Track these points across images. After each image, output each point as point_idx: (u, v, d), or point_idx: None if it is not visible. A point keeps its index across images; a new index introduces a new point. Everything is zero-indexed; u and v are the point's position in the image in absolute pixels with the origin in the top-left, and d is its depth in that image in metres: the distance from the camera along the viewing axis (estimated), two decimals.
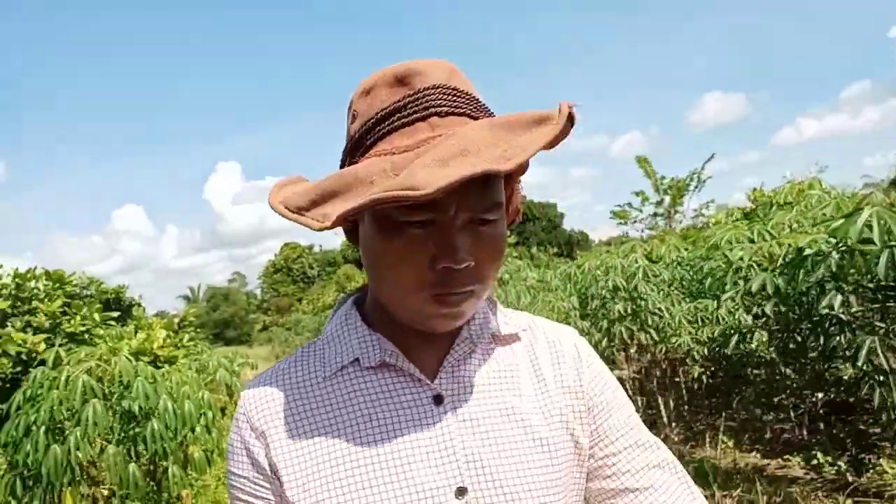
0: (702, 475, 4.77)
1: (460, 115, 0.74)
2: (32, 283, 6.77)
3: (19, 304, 6.59)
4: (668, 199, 13.39)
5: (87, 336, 6.45)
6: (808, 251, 3.85)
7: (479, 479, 0.77)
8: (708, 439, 5.56)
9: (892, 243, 3.46)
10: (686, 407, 6.37)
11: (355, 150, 0.77)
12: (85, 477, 3.74)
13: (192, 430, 4.08)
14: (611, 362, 7.69)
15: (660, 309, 5.66)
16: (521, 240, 40.63)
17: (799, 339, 4.03)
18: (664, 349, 5.83)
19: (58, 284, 7.11)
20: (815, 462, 4.70)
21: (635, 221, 13.29)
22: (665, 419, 6.12)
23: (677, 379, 6.43)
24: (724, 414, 5.60)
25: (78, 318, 6.51)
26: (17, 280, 6.71)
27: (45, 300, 6.70)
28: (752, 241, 5.03)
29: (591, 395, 0.87)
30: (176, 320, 8.07)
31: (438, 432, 0.78)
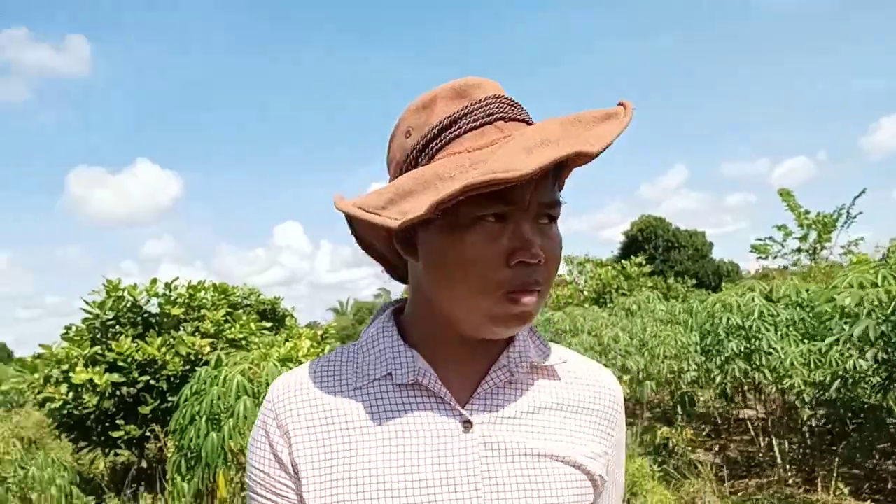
0: None
1: (522, 121, 0.76)
2: (202, 294, 7.83)
3: (190, 311, 7.66)
4: (813, 234, 12.81)
5: (244, 342, 7.39)
6: None
7: None
8: (820, 485, 5.46)
9: None
10: (801, 450, 6.24)
11: (418, 157, 0.77)
12: (234, 462, 4.45)
13: None
14: (731, 400, 7.61)
15: (774, 349, 5.66)
16: (664, 268, 39.38)
17: None
18: (778, 390, 5.80)
19: (223, 295, 8.17)
20: None
21: (776, 257, 12.78)
22: (779, 461, 6.05)
23: (793, 422, 6.32)
24: (836, 459, 5.47)
25: (238, 325, 7.47)
26: (189, 291, 7.80)
27: (212, 309, 7.74)
28: (875, 285, 4.96)
29: (611, 454, 0.88)
30: (319, 332, 8.93)
31: (464, 459, 0.77)
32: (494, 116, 0.75)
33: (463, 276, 0.74)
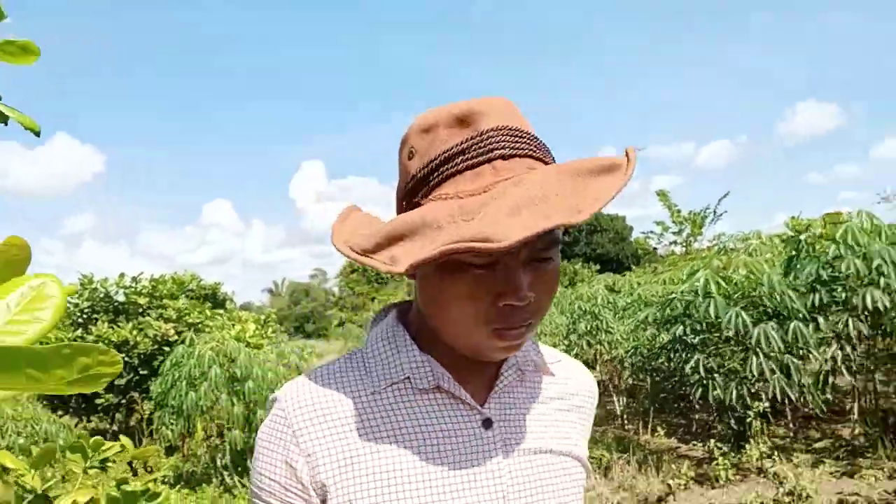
0: (633, 452, 6.71)
1: (524, 156, 0.73)
2: (163, 286, 9.36)
3: (153, 300, 9.17)
4: (687, 229, 15.13)
5: (201, 325, 8.97)
6: (673, 293, 5.81)
7: (525, 501, 0.80)
8: (646, 429, 7.52)
9: (712, 295, 5.40)
10: (633, 405, 8.32)
11: (415, 191, 0.77)
12: (208, 413, 6.11)
13: (272, 390, 6.41)
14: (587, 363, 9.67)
15: (611, 328, 7.65)
16: (588, 251, 41.86)
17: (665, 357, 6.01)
18: (613, 357, 7.82)
19: (180, 286, 9.72)
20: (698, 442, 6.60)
21: (655, 249, 15.01)
22: (618, 412, 8.09)
23: (623, 384, 8.40)
24: (651, 410, 7.55)
25: (196, 312, 9.05)
26: (152, 283, 9.30)
27: (171, 298, 9.28)
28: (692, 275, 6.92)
29: (589, 428, 0.96)
30: (263, 317, 10.54)
31: (487, 456, 0.79)
32: (494, 154, 0.72)
33: (453, 313, 0.75)
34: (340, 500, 0.76)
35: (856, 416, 6.18)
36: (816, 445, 6.12)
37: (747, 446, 5.57)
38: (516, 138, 0.74)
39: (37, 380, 0.48)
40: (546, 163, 0.76)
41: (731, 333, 5.40)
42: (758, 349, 5.24)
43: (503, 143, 0.73)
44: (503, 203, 0.66)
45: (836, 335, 5.54)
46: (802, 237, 5.95)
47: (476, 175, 0.73)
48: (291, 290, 64.45)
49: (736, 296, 5.61)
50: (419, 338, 0.85)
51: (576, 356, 8.38)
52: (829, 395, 5.72)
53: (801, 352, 5.37)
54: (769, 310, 5.54)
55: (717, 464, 5.48)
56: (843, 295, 5.52)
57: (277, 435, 0.79)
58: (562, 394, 0.92)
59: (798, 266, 5.82)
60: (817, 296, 5.54)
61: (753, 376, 5.25)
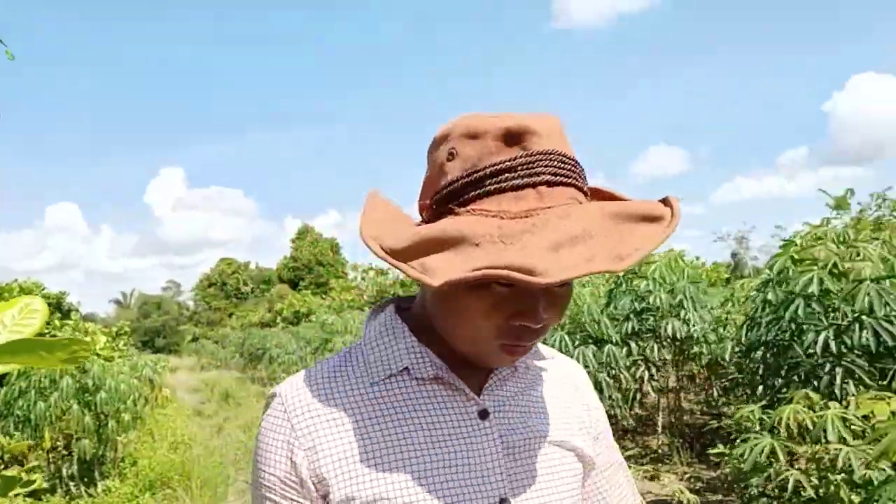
0: None
1: (567, 185, 0.73)
2: (9, 295, 9.00)
3: None
4: None
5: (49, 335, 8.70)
6: None
7: (521, 491, 0.82)
8: None
9: None
10: None
11: (454, 197, 0.75)
12: (58, 423, 6.06)
13: (124, 402, 6.46)
14: None
15: None
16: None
17: None
18: None
19: (26, 294, 9.36)
20: None
21: None
22: None
23: None
24: None
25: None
26: None
27: None
28: None
29: (597, 424, 0.98)
30: (115, 329, 10.32)
31: (484, 445, 0.81)
32: (541, 179, 0.71)
33: (467, 324, 0.76)
34: (342, 493, 0.77)
35: (660, 429, 7.15)
36: (628, 453, 7.03)
37: None
38: (564, 166, 0.74)
39: (45, 359, 0.89)
40: (584, 191, 0.75)
41: None
42: None
43: (551, 169, 0.73)
44: (546, 235, 0.67)
45: (644, 358, 6.46)
46: (621, 273, 6.86)
47: (519, 197, 0.72)
48: (142, 302, 61.12)
49: (563, 322, 6.39)
50: (418, 332, 0.85)
51: None
52: (638, 410, 6.62)
53: (612, 371, 6.22)
54: (591, 335, 6.37)
55: None
56: (652, 324, 6.47)
57: (277, 429, 0.81)
58: (554, 387, 0.94)
59: (617, 297, 6.71)
60: (630, 324, 6.45)
61: None
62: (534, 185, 0.72)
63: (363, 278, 21.09)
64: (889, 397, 3.37)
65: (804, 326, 3.99)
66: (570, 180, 0.73)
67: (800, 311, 3.95)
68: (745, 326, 4.83)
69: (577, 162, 0.76)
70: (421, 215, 0.82)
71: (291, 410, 0.81)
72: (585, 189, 0.76)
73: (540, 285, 0.64)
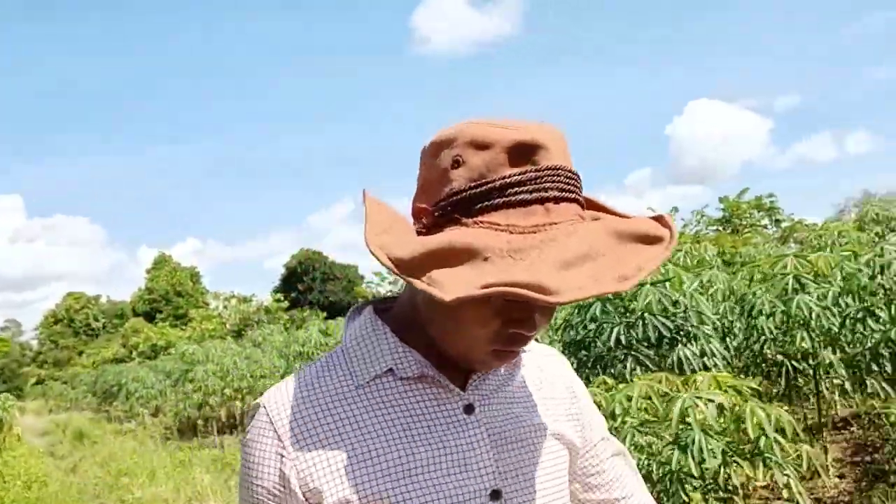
0: None
1: (572, 201, 0.74)
2: None
3: None
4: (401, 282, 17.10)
5: None
6: None
7: (512, 482, 0.83)
8: None
9: None
10: None
11: (460, 207, 0.74)
12: None
13: None
14: None
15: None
16: (322, 298, 42.57)
17: None
18: None
19: None
20: None
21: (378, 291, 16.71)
22: None
23: None
24: None
25: None
26: None
27: None
28: None
29: (585, 412, 0.98)
30: None
31: (472, 439, 0.82)
32: (549, 195, 0.72)
33: (460, 329, 0.76)
34: (334, 498, 0.77)
35: None
36: None
37: None
38: (570, 182, 0.75)
39: None
40: (582, 205, 0.77)
41: None
42: None
43: (558, 185, 0.73)
44: (554, 253, 0.68)
45: None
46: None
47: (528, 212, 0.72)
48: None
49: None
50: (399, 332, 0.85)
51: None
52: None
53: None
54: None
55: None
56: None
57: (263, 440, 0.80)
58: (536, 376, 0.95)
59: None
60: None
61: None
62: (542, 201, 0.72)
63: (225, 306, 20.79)
64: (662, 378, 4.15)
65: (604, 324, 4.76)
66: (574, 196, 0.75)
67: (598, 312, 4.72)
68: (562, 328, 5.59)
69: (579, 177, 0.77)
70: (416, 218, 0.79)
71: (277, 419, 0.80)
72: (584, 204, 0.78)
73: (550, 304, 0.67)
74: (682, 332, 4.65)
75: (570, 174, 0.75)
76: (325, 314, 26.28)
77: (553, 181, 0.73)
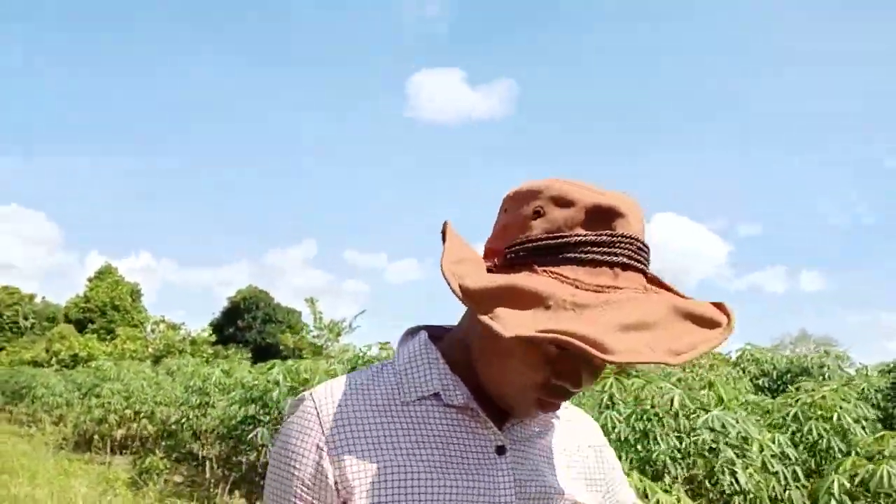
0: None
1: (639, 271, 0.77)
2: None
3: None
4: (327, 334, 17.80)
5: None
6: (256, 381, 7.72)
7: None
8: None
9: (279, 385, 7.39)
10: None
11: (532, 254, 0.77)
12: None
13: None
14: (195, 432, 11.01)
15: (214, 403, 9.26)
16: (259, 339, 42.31)
17: None
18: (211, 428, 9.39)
19: None
20: None
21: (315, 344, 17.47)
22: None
23: None
24: (226, 474, 9.23)
25: None
26: None
27: None
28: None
29: (606, 472, 1.00)
30: None
31: (501, 480, 0.83)
32: (619, 260, 0.75)
33: (508, 373, 0.79)
34: (363, 500, 0.78)
35: None
36: None
37: None
38: (641, 252, 0.77)
39: None
40: (647, 277, 0.79)
41: None
42: None
43: (629, 253, 0.76)
44: (614, 315, 0.70)
45: None
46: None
47: (596, 272, 0.74)
48: None
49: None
50: (449, 362, 0.87)
51: (186, 421, 9.77)
52: None
53: None
54: None
55: None
56: None
57: (307, 431, 0.82)
58: (568, 435, 0.97)
59: None
60: None
61: None
62: (611, 265, 0.75)
63: (153, 330, 21.08)
64: None
65: None
66: (642, 266, 0.77)
67: None
68: None
69: (649, 250, 0.79)
70: (488, 257, 0.83)
71: (324, 414, 0.82)
72: (649, 274, 0.80)
73: (605, 361, 0.69)
74: None
75: (642, 245, 0.78)
76: (249, 355, 26.43)
77: (625, 248, 0.76)
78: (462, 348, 0.87)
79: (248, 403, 7.94)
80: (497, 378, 0.82)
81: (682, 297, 0.80)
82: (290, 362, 7.98)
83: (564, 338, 0.66)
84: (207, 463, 9.73)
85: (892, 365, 7.82)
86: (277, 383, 7.43)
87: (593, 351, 0.66)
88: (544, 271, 0.75)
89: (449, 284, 0.75)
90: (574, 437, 0.98)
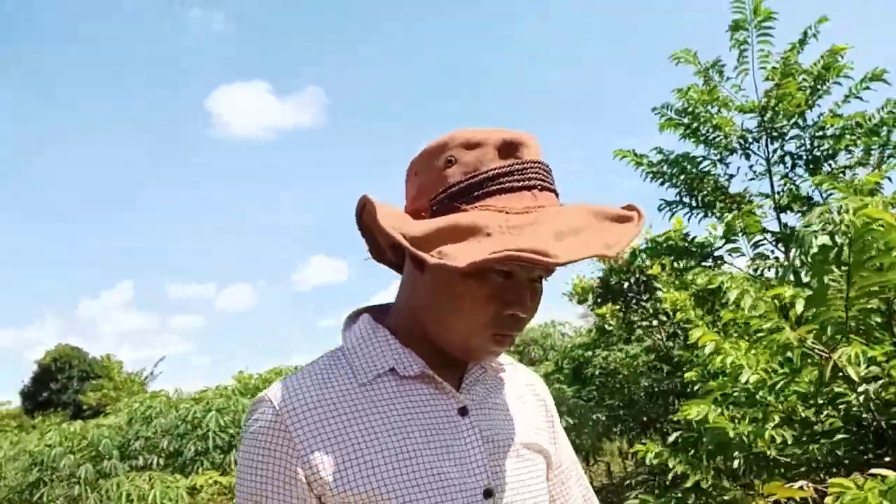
0: None
1: (551, 191, 0.85)
2: None
3: None
4: (129, 387, 18.35)
5: None
6: None
7: (503, 482, 0.88)
8: None
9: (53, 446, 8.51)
10: None
11: (457, 197, 0.83)
12: None
13: None
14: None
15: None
16: (76, 398, 40.20)
17: None
18: None
19: None
20: None
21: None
22: None
23: None
24: None
25: None
26: None
27: None
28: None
29: (556, 427, 1.07)
30: None
31: (467, 439, 0.87)
32: (533, 183, 0.83)
33: (461, 314, 0.84)
34: (339, 491, 0.80)
35: None
36: None
37: None
38: (549, 174, 0.86)
39: None
40: (558, 195, 0.87)
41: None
42: None
43: (541, 175, 0.84)
44: (548, 227, 0.77)
45: None
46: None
47: (519, 197, 0.82)
48: None
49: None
50: (396, 336, 0.91)
51: None
52: None
53: None
54: None
55: None
56: None
57: (270, 433, 0.82)
58: (516, 388, 1.02)
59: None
60: None
61: None
62: (529, 188, 0.83)
63: None
64: None
65: None
66: (552, 186, 0.86)
67: None
68: None
69: (552, 171, 0.88)
70: (415, 216, 0.86)
71: (285, 413, 0.83)
72: (558, 195, 0.87)
73: (551, 265, 0.76)
74: None
75: (547, 168, 0.87)
76: (65, 416, 25.48)
77: (536, 172, 0.84)
78: (408, 317, 0.92)
79: (30, 469, 8.93)
80: (450, 327, 0.86)
81: (593, 205, 0.87)
82: (64, 426, 9.04)
83: (515, 253, 0.73)
84: None
85: None
86: (50, 446, 8.54)
87: (541, 258, 0.72)
88: (473, 208, 0.82)
89: (395, 237, 0.79)
90: (526, 390, 1.05)
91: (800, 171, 4.66)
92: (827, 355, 2.09)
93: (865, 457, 2.30)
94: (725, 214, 4.42)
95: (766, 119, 4.58)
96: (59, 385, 41.36)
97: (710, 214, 4.79)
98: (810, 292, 2.11)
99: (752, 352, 2.38)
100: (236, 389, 10.02)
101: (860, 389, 2.07)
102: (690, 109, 4.71)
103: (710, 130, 4.69)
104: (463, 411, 0.90)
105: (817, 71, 4.44)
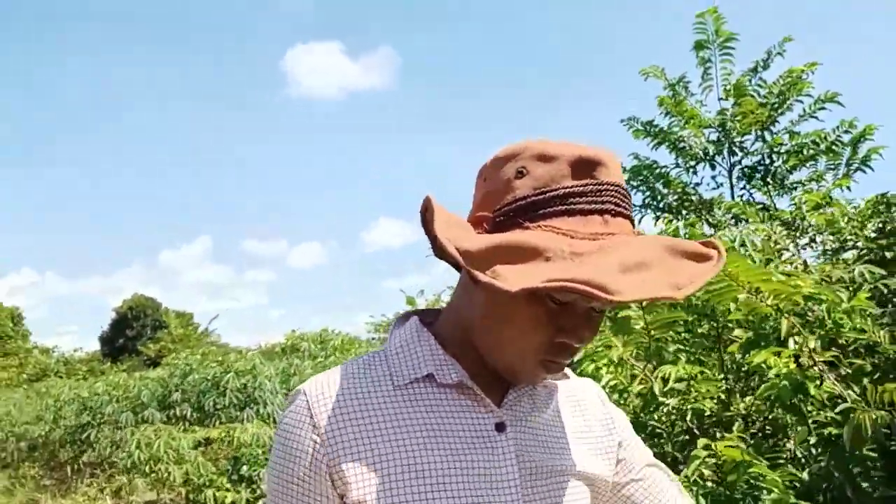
0: None
1: (625, 217, 0.79)
2: None
3: None
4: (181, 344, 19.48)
5: None
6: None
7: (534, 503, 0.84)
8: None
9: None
10: None
11: (522, 213, 0.79)
12: None
13: None
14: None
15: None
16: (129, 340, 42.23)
17: None
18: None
19: None
20: None
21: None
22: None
23: None
24: None
25: None
26: None
27: None
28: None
29: (621, 433, 1.00)
30: None
31: (500, 457, 0.83)
32: (607, 207, 0.77)
33: (511, 337, 0.80)
34: (360, 493, 0.78)
35: None
36: None
37: None
38: (625, 199, 0.79)
39: None
40: (633, 222, 0.81)
41: None
42: None
43: (615, 200, 0.78)
44: (614, 258, 0.71)
45: None
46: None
47: (587, 221, 0.76)
48: None
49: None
50: (445, 343, 0.88)
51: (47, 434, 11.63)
52: None
53: None
54: None
55: None
56: None
57: (300, 426, 0.82)
58: (570, 409, 0.97)
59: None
60: None
61: None
62: (601, 213, 0.77)
63: (26, 357, 21.93)
64: None
65: None
66: (627, 212, 0.79)
67: None
68: None
69: (630, 196, 0.82)
70: (476, 225, 0.83)
71: (315, 408, 0.82)
72: (633, 220, 0.82)
73: (611, 303, 0.70)
74: None
75: (625, 192, 0.80)
76: (138, 363, 27.10)
77: (611, 195, 0.78)
78: (456, 326, 0.89)
79: (81, 413, 9.99)
80: (499, 346, 0.83)
81: (670, 237, 0.83)
82: (111, 377, 10.05)
83: (571, 284, 0.68)
84: (68, 466, 11.63)
85: None
86: (98, 394, 9.55)
87: (600, 293, 0.67)
88: (537, 227, 0.77)
89: (447, 250, 0.75)
90: (580, 406, 0.99)
91: (757, 183, 4.90)
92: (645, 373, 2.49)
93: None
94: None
95: (723, 134, 4.85)
96: (135, 332, 43.80)
97: (679, 220, 5.07)
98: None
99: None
100: (285, 347, 10.89)
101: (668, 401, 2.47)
102: (656, 123, 5.00)
103: (678, 141, 4.95)
104: (500, 427, 0.85)
105: (778, 89, 4.67)
